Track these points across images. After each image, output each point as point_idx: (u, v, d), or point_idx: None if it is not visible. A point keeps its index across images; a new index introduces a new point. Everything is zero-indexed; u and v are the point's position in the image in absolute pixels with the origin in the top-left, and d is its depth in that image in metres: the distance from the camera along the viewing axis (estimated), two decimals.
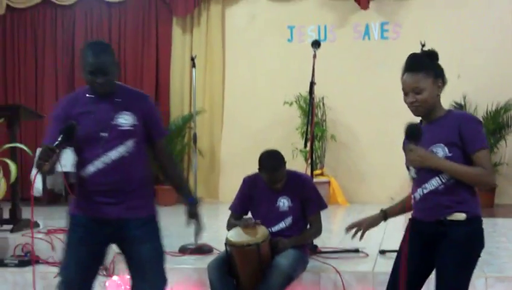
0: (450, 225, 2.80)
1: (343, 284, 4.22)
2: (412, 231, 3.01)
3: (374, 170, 8.66)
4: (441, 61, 8.20)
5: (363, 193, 8.53)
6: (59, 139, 2.88)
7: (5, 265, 5.16)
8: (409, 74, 2.91)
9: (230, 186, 8.80)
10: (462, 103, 8.40)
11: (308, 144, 5.41)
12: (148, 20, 9.61)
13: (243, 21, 9.42)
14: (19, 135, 6.91)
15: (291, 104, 8.62)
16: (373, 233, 5.66)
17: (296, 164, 7.12)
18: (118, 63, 3.17)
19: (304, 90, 7.21)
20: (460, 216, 2.80)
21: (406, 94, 2.93)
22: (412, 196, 2.99)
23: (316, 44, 5.51)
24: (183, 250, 5.04)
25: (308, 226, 4.25)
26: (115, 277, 4.65)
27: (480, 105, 8.37)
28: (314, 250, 4.80)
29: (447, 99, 9.09)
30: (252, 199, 4.23)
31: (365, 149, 8.83)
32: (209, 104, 9.31)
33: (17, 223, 5.82)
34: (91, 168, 3.06)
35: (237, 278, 3.91)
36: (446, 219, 2.81)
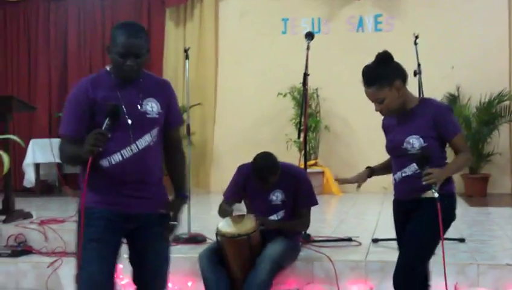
0: (424, 200, 3.08)
1: (335, 272, 4.22)
2: (396, 210, 3.34)
3: (367, 160, 8.60)
4: (434, 53, 8.26)
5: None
6: (106, 122, 2.70)
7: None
8: (366, 88, 3.15)
9: (222, 178, 8.82)
10: (456, 94, 8.43)
11: (302, 135, 5.41)
12: (141, 12, 9.59)
13: (236, 13, 9.40)
14: (11, 126, 6.92)
15: (284, 95, 8.63)
16: (366, 222, 5.72)
17: (289, 154, 7.14)
18: (149, 49, 2.92)
19: (298, 82, 7.22)
20: (433, 194, 3.00)
21: (373, 102, 3.17)
22: (393, 178, 3.27)
23: (309, 36, 5.50)
24: (176, 239, 5.04)
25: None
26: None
27: (474, 96, 8.39)
28: (307, 239, 4.82)
29: (441, 90, 9.23)
30: (246, 189, 4.23)
31: (358, 140, 8.85)
32: (202, 95, 9.30)
33: (10, 213, 5.82)
34: (117, 157, 2.80)
35: (228, 267, 3.92)
36: (421, 196, 3.10)
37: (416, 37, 5.17)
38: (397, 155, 3.20)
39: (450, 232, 5.24)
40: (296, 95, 8.51)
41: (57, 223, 5.65)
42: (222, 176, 8.98)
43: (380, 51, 3.24)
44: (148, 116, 2.86)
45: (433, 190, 2.98)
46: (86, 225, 2.81)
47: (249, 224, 3.93)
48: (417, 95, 4.89)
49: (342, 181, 3.53)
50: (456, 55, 8.53)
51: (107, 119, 2.71)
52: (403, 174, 3.17)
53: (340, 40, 8.89)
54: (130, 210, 2.84)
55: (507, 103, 8.28)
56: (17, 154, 8.77)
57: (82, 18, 9.71)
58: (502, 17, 8.57)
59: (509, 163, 8.52)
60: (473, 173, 8.21)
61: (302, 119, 5.36)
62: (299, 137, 5.52)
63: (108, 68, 2.91)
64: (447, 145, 3.20)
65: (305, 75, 5.40)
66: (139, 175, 2.83)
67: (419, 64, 5.02)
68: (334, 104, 8.81)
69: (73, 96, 2.86)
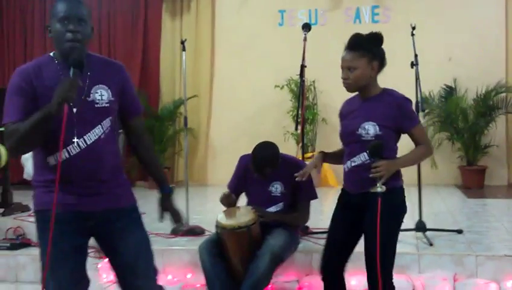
0: (372, 196, 2.98)
1: None
2: (342, 200, 3.33)
3: None
4: (431, 45, 8.24)
5: None
6: (72, 72, 2.48)
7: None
8: (347, 51, 3.17)
9: (219, 170, 8.85)
10: (453, 86, 8.43)
11: (300, 127, 5.41)
12: (138, 4, 9.54)
13: (233, 5, 9.38)
14: None
15: (282, 87, 8.62)
16: None
17: (287, 147, 7.14)
18: (93, 28, 2.69)
19: (295, 74, 7.19)
20: (377, 189, 2.99)
21: (342, 70, 3.20)
22: (343, 167, 3.25)
23: (306, 27, 5.50)
24: (175, 232, 5.06)
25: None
26: (107, 259, 4.65)
27: (471, 88, 8.39)
28: (306, 231, 4.83)
29: (438, 82, 9.21)
30: (246, 180, 4.23)
31: None
32: (199, 88, 9.27)
33: (8, 206, 5.83)
34: (64, 155, 2.54)
35: (228, 259, 3.92)
36: (369, 191, 3.01)
37: (413, 28, 5.16)
38: (350, 141, 3.19)
39: (448, 224, 5.30)
40: (293, 87, 8.50)
41: None
42: (219, 168, 9.01)
43: (375, 31, 3.24)
44: (96, 105, 2.61)
45: (378, 184, 2.97)
46: (42, 230, 2.64)
47: (249, 216, 3.93)
48: (415, 87, 4.92)
49: (302, 175, 3.40)
50: (453, 46, 8.53)
51: (72, 69, 2.49)
52: (352, 164, 3.17)
53: (337, 31, 8.81)
54: (88, 209, 2.63)
55: (504, 94, 8.28)
56: None
57: None
58: (499, 8, 8.55)
59: (506, 155, 8.53)
60: (470, 165, 8.22)
61: (300, 112, 5.37)
62: (296, 129, 5.54)
63: (51, 54, 2.71)
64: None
65: (302, 66, 5.40)
66: (92, 172, 2.60)
67: (416, 56, 5.02)
68: (331, 96, 8.78)
69: (16, 84, 2.62)
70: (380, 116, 3.12)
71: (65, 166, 2.52)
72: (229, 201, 4.08)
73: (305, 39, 5.39)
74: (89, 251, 4.94)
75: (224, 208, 4.09)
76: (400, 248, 4.47)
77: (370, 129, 3.10)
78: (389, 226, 3.11)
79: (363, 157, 3.11)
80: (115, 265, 2.80)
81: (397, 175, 3.19)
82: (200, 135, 9.28)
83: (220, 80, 9.38)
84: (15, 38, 9.80)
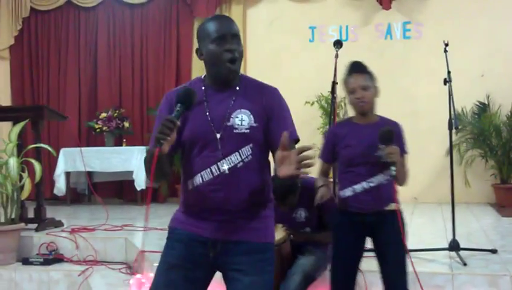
0: (387, 214, 3.21)
1: (365, 283, 4.20)
2: (347, 223, 3.36)
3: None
4: (464, 60, 8.16)
5: None
6: (177, 109, 2.32)
7: (31, 263, 5.23)
8: (358, 74, 3.32)
9: None
10: (486, 102, 8.34)
11: None
12: (170, 21, 9.65)
13: (264, 22, 9.43)
14: (43, 135, 7.01)
15: (312, 104, 8.61)
16: None
17: (317, 164, 7.10)
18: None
19: (325, 90, 7.21)
20: (395, 206, 3.26)
21: (352, 92, 3.30)
22: (346, 190, 3.32)
23: (338, 43, 5.48)
24: None
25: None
26: (138, 275, 4.69)
27: (504, 104, 8.28)
28: None
29: (471, 98, 9.13)
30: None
31: None
32: None
33: (41, 222, 5.90)
34: (198, 180, 2.46)
35: None
36: (385, 209, 3.23)
37: (446, 45, 5.12)
38: (364, 163, 3.25)
39: (482, 243, 5.22)
40: (324, 103, 8.49)
41: (88, 231, 5.71)
42: None
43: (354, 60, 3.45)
44: (235, 131, 2.45)
45: (392, 169, 3.09)
46: (164, 247, 2.57)
47: (279, 234, 3.91)
48: (448, 103, 4.88)
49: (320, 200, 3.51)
50: (485, 62, 8.43)
51: (178, 105, 2.34)
52: (370, 184, 3.25)
53: (368, 47, 8.84)
54: (209, 236, 2.47)
55: None
56: (47, 163, 8.88)
57: (112, 27, 9.81)
58: None
59: None
60: (504, 183, 8.09)
61: None
62: None
63: (203, 76, 2.58)
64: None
65: (334, 83, 5.37)
66: (219, 201, 2.44)
67: (449, 72, 4.97)
68: None
69: (160, 110, 2.56)
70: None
71: (198, 191, 2.46)
72: None
73: (336, 56, 5.37)
74: (122, 266, 5.00)
75: None
76: (433, 267, 4.46)
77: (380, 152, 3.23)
78: (402, 240, 3.28)
79: (381, 177, 3.24)
80: None
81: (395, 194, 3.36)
82: None
83: None
84: (49, 55, 9.96)
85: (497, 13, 8.54)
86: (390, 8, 8.75)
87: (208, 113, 2.46)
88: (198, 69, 9.49)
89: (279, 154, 2.26)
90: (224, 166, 2.43)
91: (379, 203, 3.24)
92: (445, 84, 4.96)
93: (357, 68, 3.35)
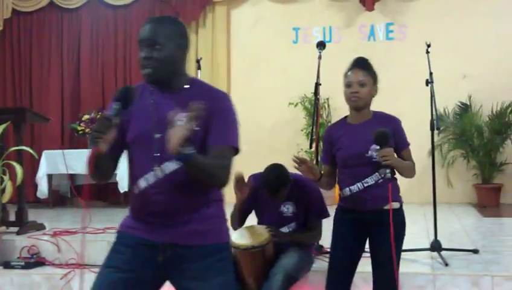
0: (386, 213, 3.13)
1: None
2: (344, 222, 3.40)
3: None
4: (446, 62, 8.21)
5: None
6: (114, 107, 2.31)
7: (12, 267, 5.18)
8: (357, 69, 3.35)
9: (232, 187, 8.80)
10: (468, 103, 8.39)
11: (314, 145, 5.40)
12: None
13: (248, 23, 9.43)
14: (24, 138, 6.95)
15: (296, 105, 8.63)
16: None
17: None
18: (185, 46, 2.52)
19: (309, 92, 7.21)
20: (396, 205, 3.27)
21: (349, 86, 3.33)
22: (345, 190, 3.32)
23: (321, 45, 5.51)
24: None
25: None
26: None
27: (486, 104, 8.33)
28: (320, 250, 4.80)
29: (453, 99, 9.19)
30: (256, 200, 4.21)
31: None
32: None
33: (23, 225, 5.85)
34: (142, 183, 2.44)
35: (242, 279, 3.90)
36: (384, 208, 3.19)
37: (428, 46, 5.15)
38: (357, 164, 3.26)
39: (464, 243, 5.25)
40: (307, 104, 8.51)
41: (70, 234, 5.68)
42: (231, 185, 8.97)
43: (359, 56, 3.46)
44: None
45: (388, 171, 3.10)
46: (110, 250, 2.57)
47: (263, 235, 3.92)
48: (430, 104, 4.91)
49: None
50: (467, 64, 8.48)
51: (116, 103, 2.33)
52: (365, 184, 3.26)
53: (352, 49, 8.82)
54: (159, 240, 2.44)
55: None
56: (30, 165, 8.81)
57: (95, 29, 9.74)
58: None
59: None
60: (486, 183, 8.15)
61: (314, 129, 5.36)
62: (310, 147, 5.53)
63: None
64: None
65: (317, 84, 5.40)
66: (165, 205, 2.43)
67: (431, 73, 5.00)
68: (345, 113, 8.77)
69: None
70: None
71: (143, 195, 2.44)
72: (241, 185, 3.94)
73: (319, 57, 5.40)
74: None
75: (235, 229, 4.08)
76: (414, 268, 4.48)
77: (374, 153, 3.23)
78: (401, 240, 3.36)
79: (375, 177, 3.23)
80: None
81: (399, 191, 3.41)
82: None
83: (235, 98, 9.30)
84: (31, 57, 9.84)
85: (479, 15, 8.60)
86: (373, 9, 8.78)
87: (152, 114, 2.45)
88: None
89: None
90: (167, 168, 2.41)
91: (376, 202, 3.25)
92: (427, 85, 4.99)
93: (359, 64, 3.38)
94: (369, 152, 3.20)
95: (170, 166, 2.40)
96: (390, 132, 3.18)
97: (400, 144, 3.34)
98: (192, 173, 2.35)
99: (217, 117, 2.44)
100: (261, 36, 9.31)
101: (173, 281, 2.51)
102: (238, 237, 3.95)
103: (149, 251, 2.44)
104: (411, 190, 8.70)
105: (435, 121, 4.87)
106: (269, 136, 8.97)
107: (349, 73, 3.37)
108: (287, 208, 4.10)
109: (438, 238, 4.81)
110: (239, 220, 4.12)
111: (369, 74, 3.35)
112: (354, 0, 8.91)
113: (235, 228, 4.07)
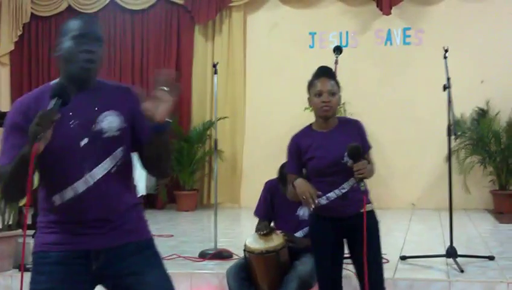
0: (362, 216, 3.14)
1: None
2: (324, 229, 3.33)
3: (395, 175, 8.59)
4: (463, 67, 8.15)
5: (384, 198, 8.45)
6: (54, 102, 2.11)
7: (27, 270, 5.19)
8: (325, 78, 3.33)
9: (252, 192, 8.79)
10: (485, 108, 8.33)
11: None
12: (170, 27, 9.68)
13: (264, 28, 9.44)
14: None
15: (312, 110, 8.59)
16: (393, 239, 5.67)
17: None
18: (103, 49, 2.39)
19: None
20: (371, 206, 3.28)
21: (320, 95, 3.30)
22: (321, 199, 3.24)
23: (337, 50, 5.50)
24: (203, 255, 5.06)
25: None
26: None
27: (504, 110, 8.28)
28: None
29: (470, 104, 9.11)
30: (273, 204, 4.22)
31: (385, 153, 8.74)
32: (231, 110, 9.32)
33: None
34: (69, 193, 2.26)
35: (256, 284, 3.90)
36: (360, 211, 3.17)
37: (446, 51, 5.12)
38: (333, 172, 3.23)
39: (480, 250, 5.21)
40: None
41: None
42: (252, 190, 8.97)
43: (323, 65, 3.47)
44: (105, 135, 2.28)
45: (362, 184, 3.09)
46: (35, 275, 2.39)
47: (277, 240, 3.92)
48: (446, 110, 4.88)
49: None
50: (485, 69, 8.44)
51: (55, 98, 2.12)
52: (342, 191, 3.24)
53: (368, 53, 8.84)
54: (91, 247, 2.30)
55: None
56: None
57: (112, 33, 9.80)
58: None
59: None
60: (503, 189, 8.08)
61: None
62: None
63: (55, 81, 2.39)
64: None
65: None
66: (102, 212, 2.30)
67: (448, 78, 4.97)
68: (362, 118, 8.64)
69: (10, 120, 2.29)
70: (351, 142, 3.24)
71: (73, 206, 2.26)
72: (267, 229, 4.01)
73: (336, 62, 5.39)
74: None
75: (252, 232, 4.08)
76: (430, 274, 4.46)
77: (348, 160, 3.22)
78: (379, 239, 3.32)
79: (351, 182, 3.21)
80: None
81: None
82: (232, 157, 9.30)
83: (252, 102, 9.41)
84: (50, 61, 9.93)
85: (496, 20, 8.55)
86: (390, 13, 8.75)
87: (71, 120, 2.27)
88: (198, 75, 9.52)
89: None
90: (96, 174, 2.26)
91: (355, 207, 3.24)
92: (444, 90, 4.96)
93: (326, 73, 3.39)
94: (344, 158, 3.20)
95: (99, 172, 2.27)
96: (360, 144, 3.18)
97: (363, 147, 3.30)
98: (163, 147, 2.31)
99: (138, 109, 2.25)
100: (277, 41, 9.32)
101: (108, 285, 2.39)
102: (252, 241, 3.95)
103: (81, 261, 2.30)
104: (428, 196, 8.73)
105: (452, 127, 4.83)
106: (285, 140, 8.91)
107: (317, 83, 3.34)
108: (303, 212, 4.09)
109: (454, 244, 4.77)
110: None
111: (336, 82, 3.36)
112: (371, 5, 8.89)
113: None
